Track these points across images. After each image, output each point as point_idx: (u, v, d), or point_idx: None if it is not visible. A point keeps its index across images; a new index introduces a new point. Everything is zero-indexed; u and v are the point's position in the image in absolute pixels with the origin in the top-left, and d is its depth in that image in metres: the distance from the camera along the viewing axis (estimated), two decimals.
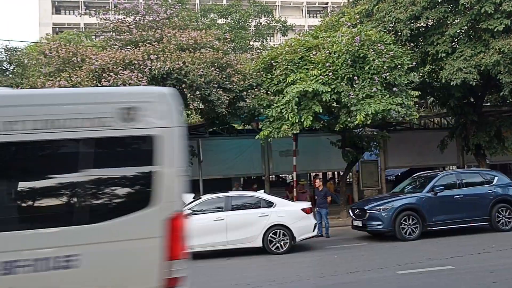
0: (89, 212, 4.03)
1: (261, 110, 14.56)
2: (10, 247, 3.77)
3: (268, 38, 31.80)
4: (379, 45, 13.76)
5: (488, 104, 18.88)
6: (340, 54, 13.74)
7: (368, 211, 12.43)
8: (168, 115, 4.21)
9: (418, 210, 12.21)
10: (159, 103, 4.21)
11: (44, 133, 3.90)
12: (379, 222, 12.22)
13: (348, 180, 20.31)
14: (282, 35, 30.59)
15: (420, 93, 14.49)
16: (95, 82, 12.98)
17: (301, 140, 17.13)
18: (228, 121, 15.95)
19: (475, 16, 14.19)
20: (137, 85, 12.51)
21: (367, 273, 8.63)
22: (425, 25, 15.58)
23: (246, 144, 18.94)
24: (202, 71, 13.31)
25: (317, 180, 14.78)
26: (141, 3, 18.89)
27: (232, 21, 27.56)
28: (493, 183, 13.01)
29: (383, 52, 13.64)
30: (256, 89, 14.63)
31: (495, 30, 13.71)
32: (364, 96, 13.36)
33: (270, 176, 20.25)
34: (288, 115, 13.46)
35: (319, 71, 13.65)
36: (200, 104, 13.10)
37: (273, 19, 30.58)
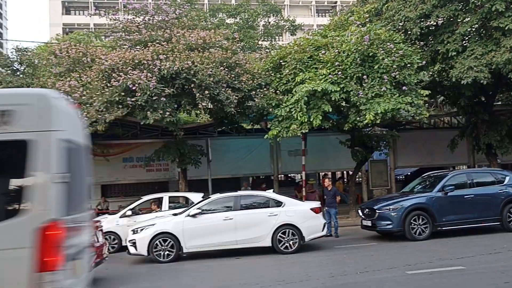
0: None
1: (270, 109, 14.56)
2: None
3: (276, 37, 31.79)
4: (388, 44, 13.68)
5: (499, 103, 18.72)
6: (349, 53, 13.68)
7: (377, 211, 12.37)
8: (46, 118, 4.00)
9: (428, 210, 12.12)
10: (37, 106, 4.02)
11: None
12: (389, 222, 12.15)
13: (357, 179, 20.24)
14: (291, 35, 30.57)
15: (430, 92, 14.37)
16: (104, 82, 13.07)
17: (310, 139, 17.11)
18: (237, 121, 15.97)
19: (486, 14, 14.07)
20: (147, 85, 12.60)
21: (376, 273, 8.59)
22: (435, 23, 15.46)
23: (254, 144, 18.96)
24: (211, 71, 13.34)
25: (326, 180, 14.73)
26: (150, 3, 18.99)
27: (241, 21, 27.59)
28: (505, 183, 12.86)
29: (393, 51, 13.55)
30: (265, 89, 14.63)
31: (506, 28, 13.56)
32: (373, 95, 13.29)
33: (279, 176, 20.24)
34: (297, 115, 13.44)
35: (328, 70, 13.61)
36: (209, 104, 13.14)
37: (281, 18, 30.57)
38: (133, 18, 16.70)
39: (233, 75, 14.11)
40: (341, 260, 10.26)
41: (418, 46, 15.43)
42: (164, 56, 13.38)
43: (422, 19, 15.03)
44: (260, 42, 28.32)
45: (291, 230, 11.17)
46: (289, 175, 25.14)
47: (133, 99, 12.70)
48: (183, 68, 13.17)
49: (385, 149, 17.99)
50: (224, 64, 14.04)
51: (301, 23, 31.58)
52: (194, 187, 16.62)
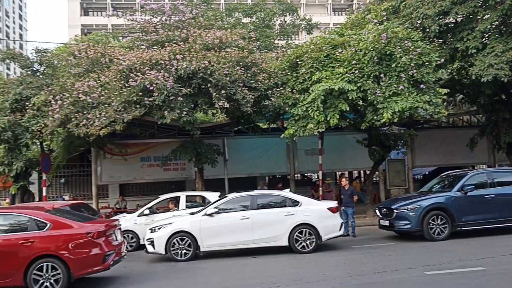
0: None
1: (286, 108, 14.52)
2: None
3: (293, 36, 31.68)
4: (406, 42, 13.53)
5: None
6: (366, 52, 13.57)
7: (395, 211, 12.25)
8: None
9: (447, 210, 11.96)
10: None
11: None
12: (407, 222, 12.03)
13: (374, 179, 20.09)
14: (307, 33, 30.42)
15: (448, 90, 14.17)
16: (122, 82, 13.19)
17: (327, 138, 17.03)
18: (253, 120, 15.98)
19: (506, 11, 13.82)
20: (164, 85, 12.69)
21: (394, 273, 8.51)
22: (454, 20, 15.22)
23: (271, 143, 18.95)
24: (227, 70, 13.37)
25: (343, 179, 14.65)
26: (167, 3, 19.11)
27: (257, 20, 27.55)
28: None
29: (410, 49, 13.40)
30: (281, 88, 14.60)
31: None
32: (390, 93, 13.17)
33: (295, 175, 20.18)
34: (313, 114, 13.39)
35: (345, 69, 13.53)
36: (226, 103, 13.17)
37: (298, 17, 30.42)
38: (150, 18, 16.83)
39: (249, 75, 14.12)
40: (358, 260, 10.18)
41: (436, 44, 15.20)
42: (181, 56, 13.45)
43: (441, 17, 14.82)
44: (276, 41, 28.25)
45: (308, 230, 11.13)
46: (306, 174, 25.07)
47: (150, 99, 12.80)
48: (200, 68, 13.22)
49: (402, 148, 17.81)
50: (241, 63, 14.06)
51: (318, 22, 31.35)
52: (211, 186, 16.69)
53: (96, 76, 13.84)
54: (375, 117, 13.52)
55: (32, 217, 8.49)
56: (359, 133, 16.63)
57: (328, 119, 13.43)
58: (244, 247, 11.25)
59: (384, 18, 15.48)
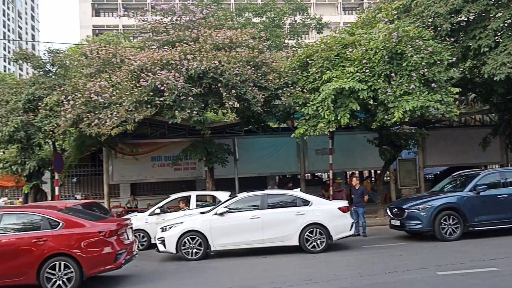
0: None
1: (297, 108, 14.50)
2: None
3: (303, 36, 31.62)
4: (417, 41, 13.43)
5: None
6: (377, 51, 13.50)
7: (406, 210, 12.18)
8: None
9: (459, 210, 11.86)
10: None
11: None
12: (418, 222, 11.96)
13: (385, 178, 19.98)
14: (317, 33, 30.34)
15: (460, 89, 14.05)
16: (134, 82, 13.27)
17: (337, 138, 16.98)
18: (263, 120, 15.98)
19: None
20: (175, 85, 12.75)
21: (406, 273, 8.47)
22: (466, 19, 15.10)
23: (281, 143, 18.94)
24: (237, 70, 13.38)
25: (354, 179, 14.60)
26: (177, 4, 19.18)
27: (267, 20, 27.55)
28: None
29: (422, 48, 13.30)
30: (291, 87, 14.58)
31: None
32: (401, 93, 13.09)
33: (306, 175, 20.15)
34: (324, 113, 13.36)
35: (355, 68, 13.47)
36: (236, 103, 13.18)
37: (308, 16, 30.37)
38: (161, 18, 16.90)
39: (259, 74, 14.12)
40: (369, 260, 10.14)
41: (448, 43, 15.10)
42: (192, 56, 13.49)
43: (453, 15, 14.70)
44: (286, 41, 28.23)
45: (318, 229, 11.12)
46: (316, 174, 25.01)
47: (161, 99, 12.86)
48: (210, 68, 13.25)
49: (414, 148, 17.69)
50: (251, 63, 14.06)
51: (328, 21, 31.27)
52: (221, 185, 16.73)
53: (108, 76, 13.94)
54: (386, 117, 13.45)
55: (45, 216, 8.59)
56: (369, 133, 16.55)
57: (338, 118, 13.39)
58: (254, 247, 11.26)
59: (395, 17, 15.40)
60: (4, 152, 16.80)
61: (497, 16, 14.41)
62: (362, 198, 13.85)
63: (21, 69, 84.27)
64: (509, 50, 13.54)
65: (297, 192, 12.19)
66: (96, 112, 13.28)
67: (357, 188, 14.02)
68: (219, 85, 13.38)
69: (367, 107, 14.38)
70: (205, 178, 16.92)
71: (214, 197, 14.34)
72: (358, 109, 13.55)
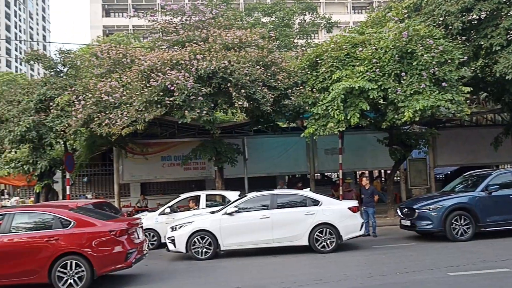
0: None
1: (306, 107, 14.47)
2: None
3: (312, 35, 31.56)
4: (428, 39, 13.34)
5: None
6: (387, 50, 13.43)
7: (417, 210, 12.10)
8: None
9: (470, 210, 11.76)
10: None
11: None
12: (429, 222, 11.87)
13: (395, 178, 19.86)
14: (327, 32, 30.27)
15: (472, 88, 13.93)
16: (144, 82, 13.33)
17: (347, 137, 16.91)
18: (273, 119, 15.97)
19: None
20: (185, 85, 12.79)
21: (417, 274, 8.42)
22: (477, 17, 14.96)
23: (291, 142, 18.92)
24: (247, 70, 13.39)
25: (364, 179, 14.54)
26: (187, 4, 19.23)
27: (277, 19, 27.52)
28: None
29: (432, 47, 13.21)
30: (301, 87, 14.56)
31: None
32: (412, 92, 13.01)
33: (315, 175, 20.10)
34: (333, 113, 13.32)
35: (365, 68, 13.41)
36: (245, 103, 13.19)
37: (317, 16, 30.27)
38: (171, 19, 16.97)
39: (269, 74, 14.11)
40: (379, 260, 10.09)
41: (459, 42, 14.97)
42: (201, 56, 13.53)
43: (464, 13, 14.57)
44: (296, 40, 28.19)
45: (328, 229, 11.09)
46: (326, 174, 24.94)
47: (171, 99, 12.91)
48: (220, 68, 13.28)
49: (424, 148, 17.57)
50: (260, 63, 14.06)
51: (337, 21, 31.14)
52: (230, 185, 16.75)
53: (118, 76, 14.03)
54: (396, 116, 13.37)
55: (57, 215, 8.66)
56: (379, 132, 16.47)
57: (348, 118, 13.33)
58: (264, 246, 11.27)
59: (405, 15, 15.31)
60: (16, 152, 16.96)
61: (509, 14, 14.26)
62: (372, 198, 13.79)
63: (32, 70, 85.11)
64: None
65: (306, 192, 12.16)
66: (107, 112, 13.36)
67: (367, 188, 13.96)
68: (229, 85, 13.40)
69: (377, 107, 14.30)
70: (215, 177, 16.96)
71: (223, 197, 14.37)
72: (368, 108, 13.49)
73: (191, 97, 12.99)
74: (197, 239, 11.14)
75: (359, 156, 19.30)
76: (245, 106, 13.24)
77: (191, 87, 12.86)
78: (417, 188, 19.68)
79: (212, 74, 13.38)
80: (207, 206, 13.69)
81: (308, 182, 19.12)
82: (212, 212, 11.89)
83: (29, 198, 21.66)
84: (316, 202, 11.45)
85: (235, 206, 11.43)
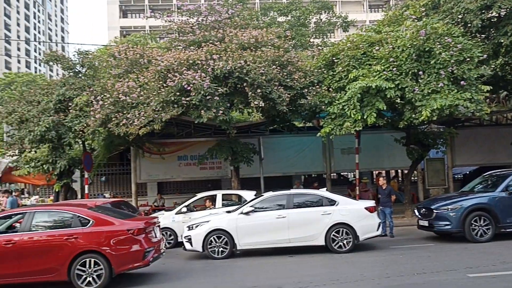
0: None
1: (323, 107, 14.41)
2: None
3: (328, 34, 31.43)
4: (446, 38, 13.17)
5: None
6: (404, 49, 13.30)
7: (435, 211, 11.97)
8: None
9: (490, 211, 11.59)
10: None
11: None
12: (447, 222, 11.73)
13: (412, 178, 19.66)
14: (343, 31, 30.13)
15: (491, 87, 13.70)
16: (161, 82, 13.43)
17: (364, 137, 16.80)
18: (289, 119, 15.94)
19: None
20: (201, 85, 12.85)
21: (435, 275, 8.33)
22: (497, 15, 14.71)
23: (307, 142, 18.87)
24: (263, 70, 13.39)
25: (381, 178, 14.43)
26: (203, 4, 19.30)
27: (293, 19, 27.51)
28: None
29: (451, 45, 13.03)
30: (317, 86, 14.51)
31: None
32: (429, 91, 12.86)
33: (332, 174, 20.02)
34: (350, 112, 13.25)
35: (382, 67, 13.30)
36: (261, 102, 13.19)
37: (333, 15, 30.18)
38: (187, 19, 17.04)
39: (285, 73, 14.09)
40: (397, 260, 10.01)
41: (479, 39, 14.74)
42: (217, 56, 13.57)
43: (484, 11, 14.33)
44: (312, 40, 28.11)
45: (345, 229, 11.04)
46: (342, 173, 24.81)
47: (187, 99, 12.99)
48: (236, 67, 13.30)
49: (442, 147, 17.36)
50: (276, 62, 14.05)
51: (354, 19, 31.03)
52: (246, 185, 16.77)
53: (135, 76, 14.15)
54: (413, 115, 13.24)
55: (76, 214, 8.79)
56: (397, 132, 16.33)
57: (365, 117, 13.25)
58: (280, 246, 11.27)
59: (423, 14, 15.13)
60: (36, 151, 17.23)
61: None
62: (389, 198, 13.68)
63: (51, 70, 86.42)
64: None
65: (323, 192, 12.11)
66: (124, 112, 13.50)
67: (384, 188, 13.85)
68: (245, 84, 13.42)
69: (394, 106, 14.18)
70: (231, 177, 17.00)
71: (239, 196, 14.40)
72: (385, 108, 13.38)
73: (208, 97, 13.05)
74: (214, 238, 11.19)
75: (376, 155, 19.16)
76: (261, 105, 13.23)
77: (208, 87, 12.92)
78: (435, 188, 19.46)
79: (228, 74, 13.41)
80: (223, 205, 13.74)
81: (324, 182, 19.05)
82: (228, 212, 11.93)
83: (49, 197, 22.01)
84: (332, 202, 11.40)
85: (251, 206, 11.45)
